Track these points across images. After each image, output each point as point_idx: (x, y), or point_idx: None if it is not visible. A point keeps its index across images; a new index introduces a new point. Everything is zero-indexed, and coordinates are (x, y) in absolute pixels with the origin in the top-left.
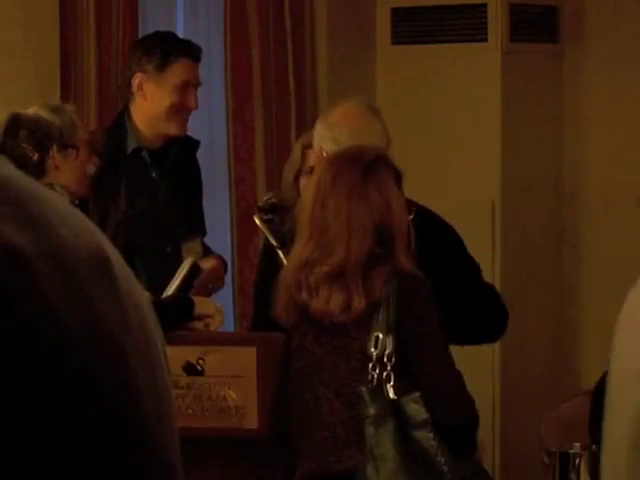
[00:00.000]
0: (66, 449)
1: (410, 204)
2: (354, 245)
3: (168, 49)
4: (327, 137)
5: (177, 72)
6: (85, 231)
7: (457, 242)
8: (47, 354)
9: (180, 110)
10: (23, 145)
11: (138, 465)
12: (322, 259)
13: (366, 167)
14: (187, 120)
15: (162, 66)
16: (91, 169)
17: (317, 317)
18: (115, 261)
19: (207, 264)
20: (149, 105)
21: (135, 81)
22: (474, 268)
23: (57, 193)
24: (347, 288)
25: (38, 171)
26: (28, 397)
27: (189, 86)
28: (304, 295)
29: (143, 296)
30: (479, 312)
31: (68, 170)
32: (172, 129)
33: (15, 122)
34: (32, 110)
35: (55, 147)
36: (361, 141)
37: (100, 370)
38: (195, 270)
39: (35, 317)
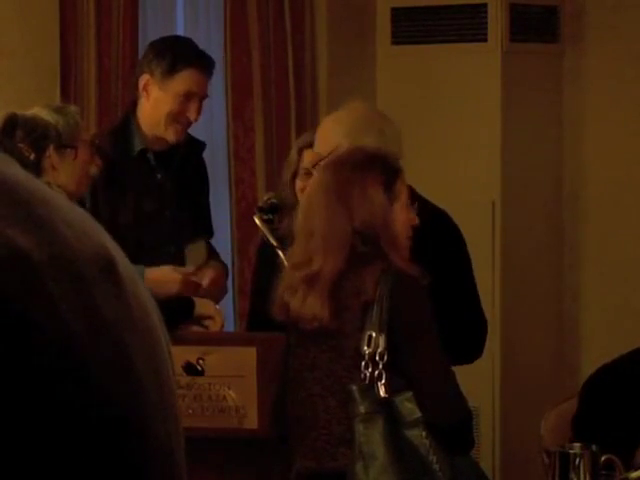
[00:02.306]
0: (68, 451)
1: (414, 202)
2: (331, 255)
3: (178, 56)
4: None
5: (182, 81)
6: (90, 232)
7: (464, 259)
8: (51, 357)
9: (179, 119)
10: (19, 145)
11: (141, 467)
12: (303, 264)
13: (351, 171)
14: (186, 129)
15: (169, 72)
16: (93, 170)
17: (294, 318)
18: (121, 262)
19: (205, 278)
20: (151, 107)
21: (142, 81)
22: (470, 286)
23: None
24: (318, 296)
25: (35, 171)
26: (30, 399)
27: (193, 97)
28: (287, 296)
29: (149, 298)
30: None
31: (66, 170)
32: (168, 136)
33: (12, 122)
34: (34, 110)
35: (52, 147)
36: (383, 143)
37: (104, 372)
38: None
39: (40, 320)
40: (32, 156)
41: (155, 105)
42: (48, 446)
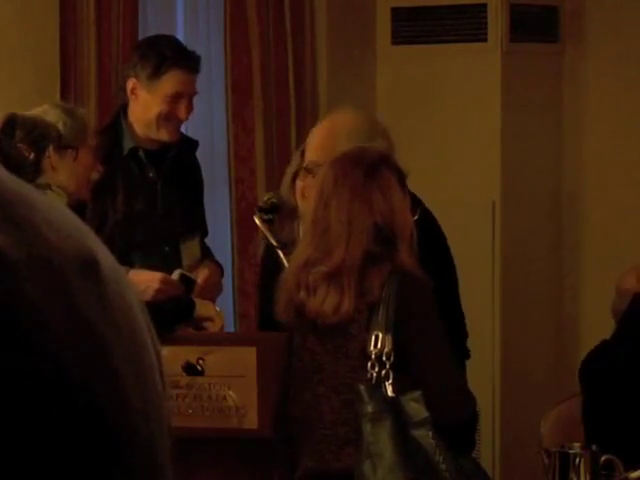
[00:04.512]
0: (46, 451)
1: (415, 205)
2: (352, 247)
3: (161, 59)
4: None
5: (169, 83)
6: (74, 233)
7: (445, 261)
8: (31, 356)
9: (170, 119)
10: (19, 145)
11: (121, 467)
12: (322, 260)
13: (369, 167)
14: (179, 127)
15: (154, 76)
16: (95, 175)
17: (311, 317)
18: (104, 263)
19: (200, 275)
20: (141, 110)
21: (129, 85)
22: (451, 289)
23: (54, 193)
24: (342, 290)
25: (34, 171)
26: (6, 400)
27: (181, 97)
28: (302, 295)
29: (136, 299)
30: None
31: (66, 171)
32: (162, 136)
33: (11, 122)
34: (43, 108)
35: (52, 147)
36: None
37: (84, 372)
38: (184, 282)
39: (19, 319)
40: (31, 156)
41: (144, 108)
42: (26, 445)
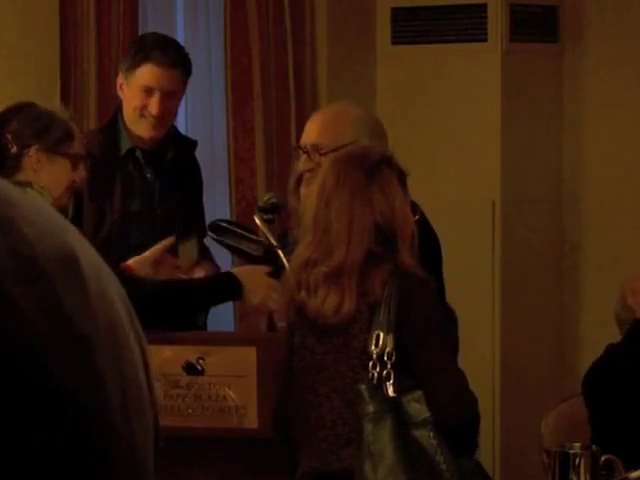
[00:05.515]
0: (26, 446)
1: (415, 206)
2: (353, 247)
3: (138, 52)
4: None
5: (141, 76)
6: (54, 231)
7: (436, 256)
8: (12, 354)
9: (145, 114)
10: (7, 135)
11: (100, 463)
12: (322, 259)
13: (370, 167)
14: (158, 125)
15: (130, 68)
16: (65, 200)
17: (311, 317)
18: (85, 261)
19: (196, 277)
20: (125, 105)
21: (118, 81)
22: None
23: (35, 192)
24: (342, 290)
25: (13, 165)
26: None
27: (152, 91)
28: (303, 295)
29: (119, 296)
30: None
31: (47, 176)
32: (142, 132)
33: (13, 111)
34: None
35: (36, 147)
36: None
37: (64, 368)
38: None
39: (0, 316)
40: (13, 149)
41: (126, 102)
42: (7, 441)
